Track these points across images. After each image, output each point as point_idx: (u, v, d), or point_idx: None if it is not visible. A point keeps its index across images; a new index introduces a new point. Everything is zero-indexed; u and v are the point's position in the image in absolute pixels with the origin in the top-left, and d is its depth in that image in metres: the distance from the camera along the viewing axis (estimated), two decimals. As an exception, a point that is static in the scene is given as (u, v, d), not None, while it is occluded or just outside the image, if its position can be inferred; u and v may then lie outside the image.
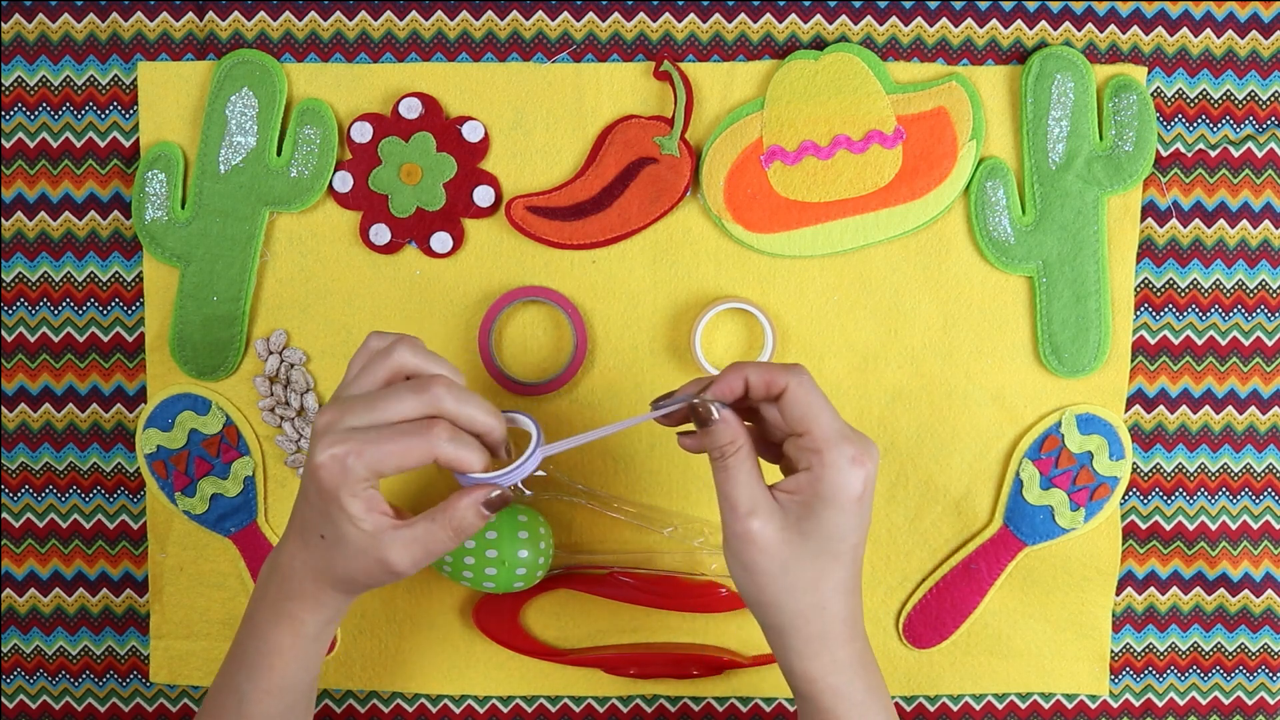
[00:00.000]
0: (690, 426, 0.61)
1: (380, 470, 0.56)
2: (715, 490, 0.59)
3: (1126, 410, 0.75)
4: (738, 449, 0.58)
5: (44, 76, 0.74)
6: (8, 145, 0.74)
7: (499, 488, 0.59)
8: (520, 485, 0.61)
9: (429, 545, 0.58)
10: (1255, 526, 0.76)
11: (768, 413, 0.61)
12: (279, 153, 0.73)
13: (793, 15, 0.73)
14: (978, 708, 0.77)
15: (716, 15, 0.73)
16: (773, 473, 0.61)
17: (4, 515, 0.76)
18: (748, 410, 0.61)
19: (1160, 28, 0.73)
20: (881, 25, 0.73)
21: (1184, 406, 0.75)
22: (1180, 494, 0.76)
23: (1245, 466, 0.76)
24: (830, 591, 0.58)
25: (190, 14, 0.73)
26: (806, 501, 0.57)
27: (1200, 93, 0.73)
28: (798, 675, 0.60)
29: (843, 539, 0.58)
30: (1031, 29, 0.73)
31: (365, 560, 0.58)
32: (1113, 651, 0.77)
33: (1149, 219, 0.74)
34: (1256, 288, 0.74)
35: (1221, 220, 0.74)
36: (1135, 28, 0.73)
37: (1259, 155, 0.74)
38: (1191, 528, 0.76)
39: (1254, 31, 0.73)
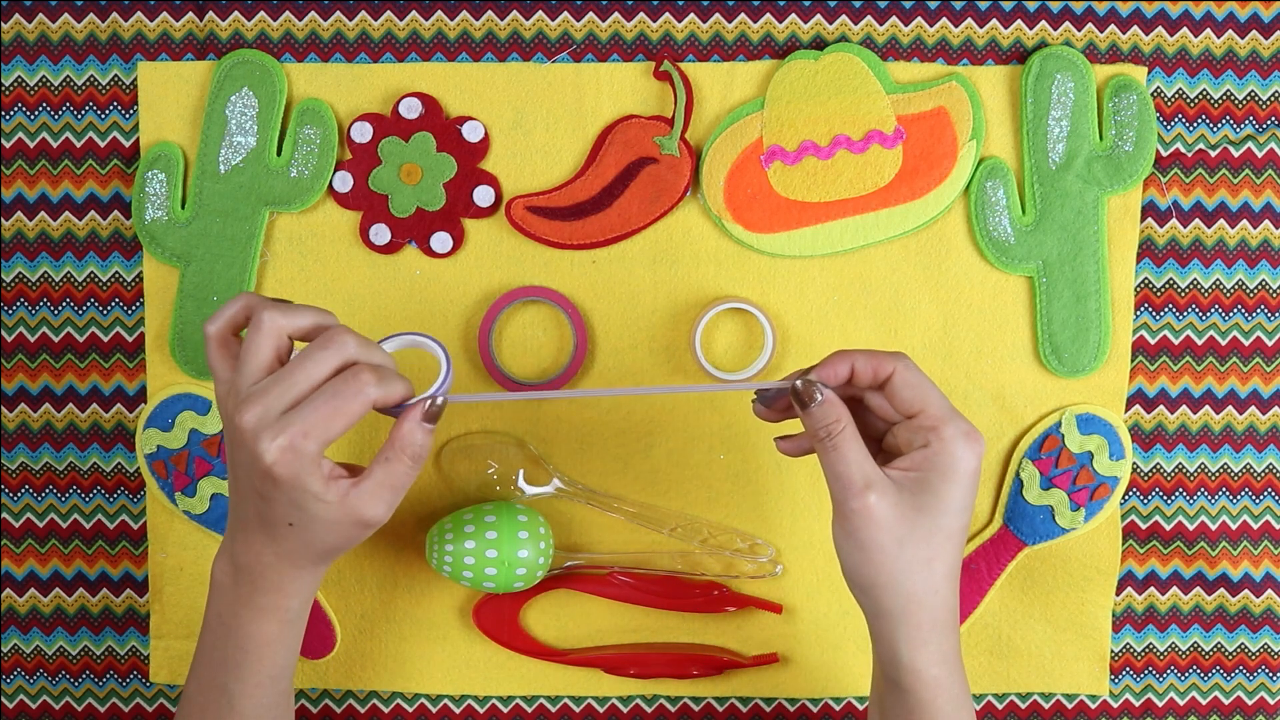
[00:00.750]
0: (788, 429, 0.61)
1: (328, 438, 0.55)
2: (824, 475, 0.59)
3: (1126, 410, 0.75)
4: (843, 426, 0.58)
5: (44, 76, 0.74)
6: (8, 145, 0.74)
7: (431, 399, 0.58)
8: (445, 397, 0.59)
9: (394, 483, 0.58)
10: (1255, 526, 0.76)
11: (871, 401, 0.61)
12: (279, 153, 0.73)
13: (793, 15, 0.73)
14: (977, 708, 0.77)
15: (716, 15, 0.73)
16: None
17: (4, 515, 0.76)
18: (847, 400, 0.61)
19: (1160, 28, 0.73)
20: (881, 25, 0.73)
21: (1184, 406, 0.75)
22: (1180, 494, 0.76)
23: (1245, 466, 0.76)
24: (942, 575, 0.58)
25: (190, 14, 0.73)
26: (923, 478, 0.58)
27: (1200, 93, 0.73)
28: (903, 665, 0.59)
29: (956, 515, 0.58)
30: (1031, 29, 0.73)
31: (342, 527, 0.57)
32: (1113, 651, 0.77)
33: (1149, 219, 0.74)
34: (1256, 288, 0.74)
35: (1221, 220, 0.74)
36: (1135, 28, 0.73)
37: (1259, 155, 0.74)
38: (1191, 528, 0.76)
39: (1254, 31, 0.73)
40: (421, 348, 0.61)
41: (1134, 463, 0.75)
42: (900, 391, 0.58)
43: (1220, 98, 0.73)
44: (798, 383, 0.59)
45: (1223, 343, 0.75)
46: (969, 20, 0.73)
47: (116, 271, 0.75)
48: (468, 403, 0.62)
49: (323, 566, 0.61)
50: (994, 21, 0.73)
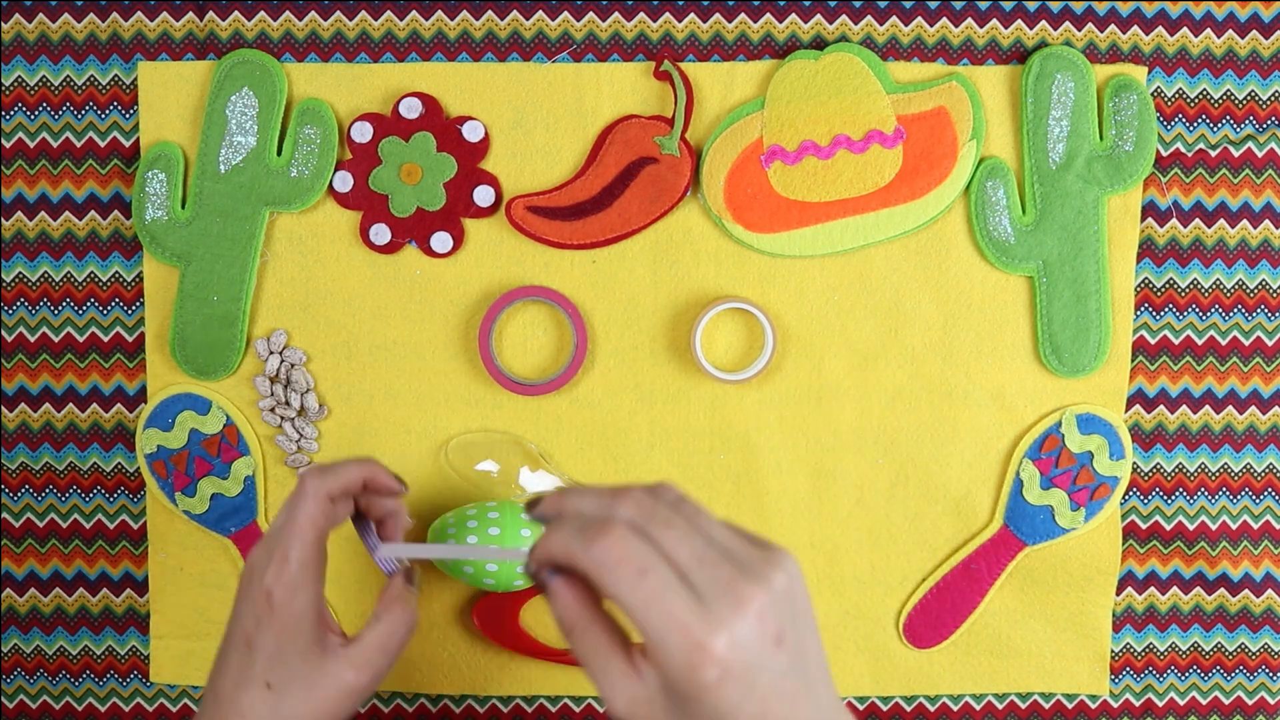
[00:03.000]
0: None
1: (303, 545, 0.58)
2: None
3: (1127, 410, 0.75)
4: (572, 627, 0.49)
5: (44, 76, 0.73)
6: (8, 145, 0.74)
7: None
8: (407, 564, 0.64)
9: (384, 644, 0.60)
10: (1255, 526, 0.76)
11: None
12: (279, 152, 0.73)
13: (793, 15, 0.73)
14: (978, 708, 0.77)
15: (717, 15, 0.73)
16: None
17: (4, 515, 0.76)
18: None
19: (1160, 28, 0.73)
20: (882, 25, 0.73)
21: (1184, 406, 0.75)
22: (1180, 494, 0.76)
23: (1245, 466, 0.76)
24: None
25: (190, 14, 0.73)
26: (667, 683, 0.47)
27: (1200, 93, 0.73)
28: None
29: (726, 718, 0.46)
30: (1032, 29, 0.73)
31: (322, 692, 0.58)
32: (1113, 651, 0.77)
33: (1149, 219, 0.74)
34: (1257, 288, 0.74)
35: (1222, 220, 0.74)
36: (1135, 28, 0.73)
37: (1259, 155, 0.74)
38: (1192, 528, 0.76)
39: (1254, 31, 0.73)
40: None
41: (1134, 463, 0.75)
42: (604, 593, 0.47)
43: (1220, 98, 0.73)
44: (529, 565, 0.50)
45: (1223, 343, 0.75)
46: (969, 20, 0.73)
47: (116, 271, 0.75)
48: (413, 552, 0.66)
49: None
50: (994, 21, 0.73)
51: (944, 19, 0.73)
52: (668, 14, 0.73)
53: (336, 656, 0.58)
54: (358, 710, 0.59)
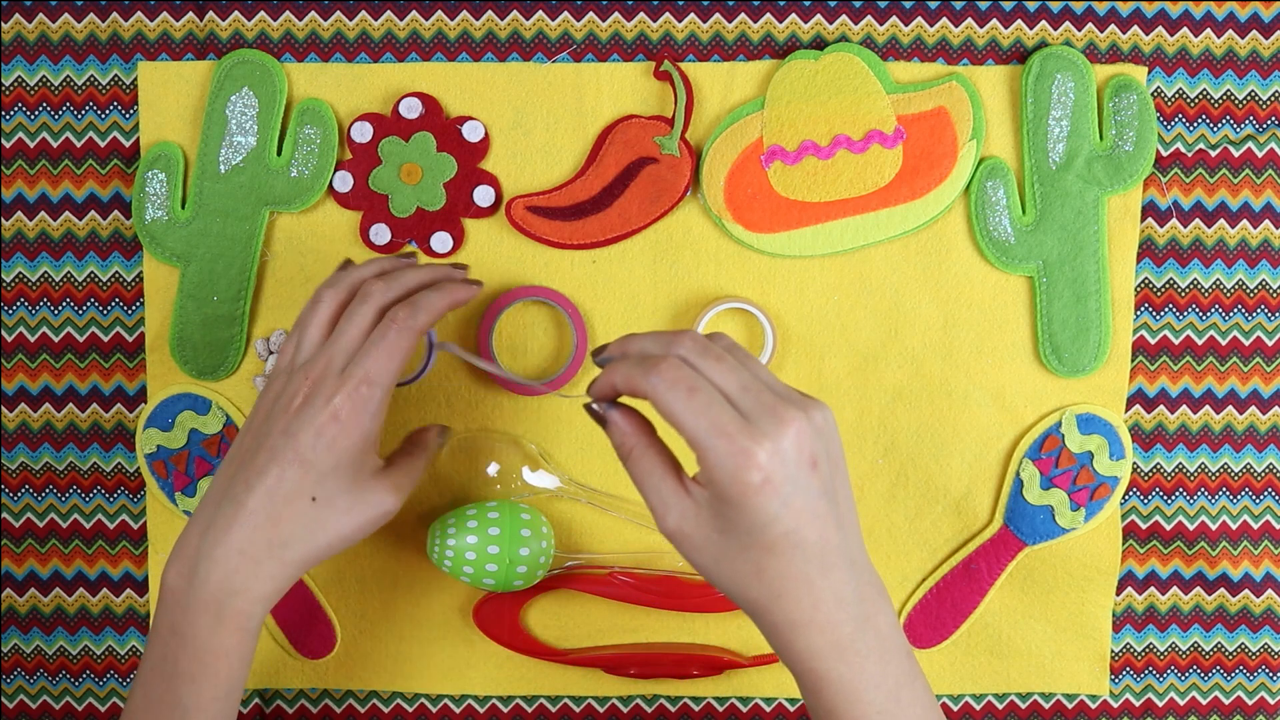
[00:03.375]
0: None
1: (387, 381, 0.59)
2: None
3: (1127, 410, 0.75)
4: (631, 449, 0.56)
5: (44, 76, 0.73)
6: (8, 145, 0.74)
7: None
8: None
9: (419, 466, 0.64)
10: (1255, 526, 0.76)
11: None
12: (279, 152, 0.73)
13: (793, 15, 0.73)
14: (978, 708, 0.77)
15: (717, 15, 0.73)
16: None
17: (4, 515, 0.76)
18: None
19: (1160, 27, 0.73)
20: (882, 25, 0.73)
21: (1184, 406, 0.75)
22: (1180, 494, 0.76)
23: (1245, 466, 0.76)
24: (779, 581, 0.54)
25: (190, 14, 0.73)
26: (715, 495, 0.54)
27: (1200, 93, 0.73)
28: (780, 655, 0.57)
29: (765, 529, 0.53)
30: (1032, 29, 0.73)
31: (362, 509, 0.60)
32: (1113, 651, 0.77)
33: (1149, 219, 0.74)
34: (1257, 288, 0.74)
35: (1222, 220, 0.74)
36: (1135, 28, 0.73)
37: (1259, 155, 0.74)
38: (1192, 528, 0.76)
39: (1254, 31, 0.73)
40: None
41: (1134, 463, 0.75)
42: (659, 410, 0.54)
43: (1220, 98, 0.73)
44: (587, 404, 0.57)
45: (1223, 343, 0.75)
46: (969, 20, 0.73)
47: (116, 271, 0.75)
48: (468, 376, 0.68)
49: (294, 575, 0.60)
50: (994, 21, 0.73)
51: (944, 19, 0.73)
52: (668, 14, 0.73)
53: (380, 479, 0.61)
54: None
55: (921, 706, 0.57)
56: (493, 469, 0.74)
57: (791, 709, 0.77)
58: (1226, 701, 0.77)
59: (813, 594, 0.54)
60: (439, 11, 0.73)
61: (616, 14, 0.73)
